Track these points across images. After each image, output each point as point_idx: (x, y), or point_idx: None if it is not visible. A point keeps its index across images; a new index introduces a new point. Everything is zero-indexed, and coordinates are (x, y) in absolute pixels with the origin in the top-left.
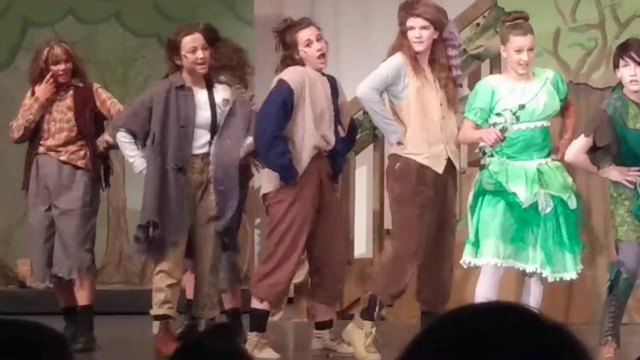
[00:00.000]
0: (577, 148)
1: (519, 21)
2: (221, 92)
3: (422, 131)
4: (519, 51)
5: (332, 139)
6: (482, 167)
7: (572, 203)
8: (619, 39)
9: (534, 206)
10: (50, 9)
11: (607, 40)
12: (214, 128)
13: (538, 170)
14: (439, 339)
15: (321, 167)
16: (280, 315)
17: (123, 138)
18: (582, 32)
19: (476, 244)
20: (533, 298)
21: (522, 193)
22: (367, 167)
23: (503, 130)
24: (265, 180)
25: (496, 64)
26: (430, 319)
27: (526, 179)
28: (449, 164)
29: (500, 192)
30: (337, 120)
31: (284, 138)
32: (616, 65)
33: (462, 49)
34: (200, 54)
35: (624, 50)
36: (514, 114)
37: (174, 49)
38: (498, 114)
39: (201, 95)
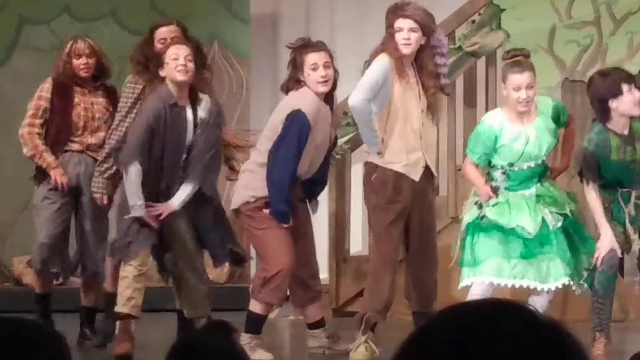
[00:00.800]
0: (589, 194)
1: (517, 58)
2: (202, 108)
3: (400, 138)
4: (517, 89)
5: (316, 165)
6: (476, 202)
7: (575, 211)
8: (615, 36)
9: (544, 225)
10: (46, 6)
11: (603, 37)
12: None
13: (537, 195)
14: (435, 337)
15: (293, 192)
16: (277, 312)
17: (136, 174)
18: (577, 29)
19: (475, 264)
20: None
21: (529, 224)
22: (363, 164)
23: (495, 189)
24: (237, 195)
25: (492, 61)
26: (421, 318)
27: (529, 208)
28: (427, 170)
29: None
30: (331, 149)
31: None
32: (613, 95)
33: (457, 46)
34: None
35: (623, 78)
36: (504, 172)
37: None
38: (493, 166)
39: (189, 113)
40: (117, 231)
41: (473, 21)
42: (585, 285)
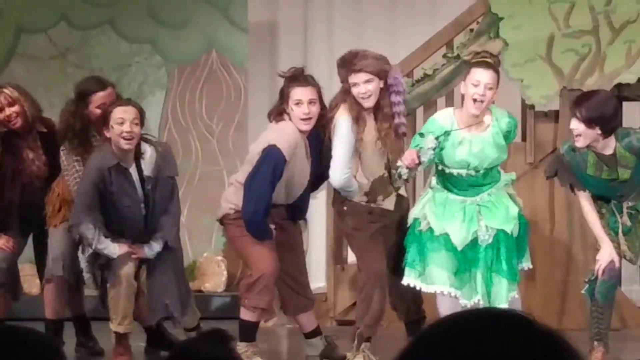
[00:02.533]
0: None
1: (486, 59)
2: (146, 166)
3: (372, 181)
4: (476, 84)
5: (295, 195)
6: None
7: (515, 231)
8: (613, 45)
9: (474, 240)
10: (43, 15)
11: (601, 46)
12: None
13: (479, 204)
14: (432, 346)
15: (274, 215)
16: (274, 321)
17: (90, 232)
18: (575, 38)
19: (416, 266)
20: None
21: (456, 235)
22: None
23: (420, 152)
24: (221, 206)
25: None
26: (413, 326)
27: (464, 216)
28: (399, 197)
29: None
30: (312, 173)
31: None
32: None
33: (455, 55)
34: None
35: (574, 102)
36: (436, 138)
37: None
38: (421, 134)
39: (134, 172)
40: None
41: (471, 30)
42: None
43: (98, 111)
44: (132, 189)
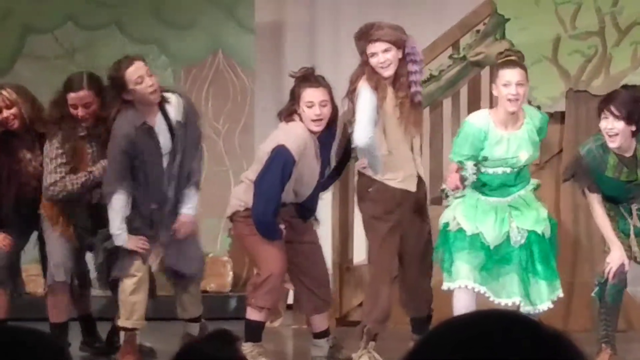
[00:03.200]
0: (592, 204)
1: (511, 57)
2: (174, 112)
3: (395, 155)
4: (507, 85)
5: (305, 195)
6: (443, 189)
7: (547, 232)
8: (619, 46)
9: (507, 239)
10: (50, 15)
11: (607, 47)
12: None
13: (510, 206)
14: (439, 347)
15: (284, 213)
16: (280, 321)
17: (119, 203)
18: (582, 40)
19: (449, 269)
20: None
21: (490, 234)
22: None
23: (463, 179)
24: (231, 203)
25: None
26: (419, 324)
27: (496, 216)
28: (420, 180)
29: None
30: (322, 174)
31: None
32: (598, 115)
33: (462, 56)
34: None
35: (605, 102)
36: (475, 165)
37: (120, 85)
38: (458, 141)
39: (160, 123)
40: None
41: (477, 31)
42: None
43: (71, 110)
44: (157, 146)
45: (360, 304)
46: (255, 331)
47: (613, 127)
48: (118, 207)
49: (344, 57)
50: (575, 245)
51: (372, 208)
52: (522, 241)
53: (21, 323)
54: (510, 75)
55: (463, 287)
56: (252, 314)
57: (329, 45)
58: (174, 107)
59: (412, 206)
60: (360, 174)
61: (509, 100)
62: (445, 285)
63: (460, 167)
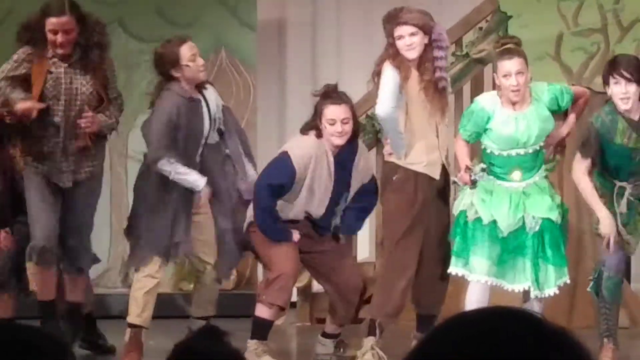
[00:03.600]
0: (578, 170)
1: (508, 46)
2: (213, 97)
3: (420, 139)
4: (507, 76)
5: (317, 214)
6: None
7: (558, 219)
8: (622, 43)
9: (521, 226)
10: None
11: (610, 44)
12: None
13: (524, 193)
14: (442, 344)
15: (299, 228)
16: (284, 319)
17: (169, 165)
18: (584, 37)
19: (464, 255)
20: None
21: (504, 221)
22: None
23: (474, 181)
24: (250, 209)
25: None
26: (425, 322)
27: (510, 203)
28: (444, 168)
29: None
30: (339, 193)
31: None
32: (606, 83)
33: (464, 53)
34: (200, 60)
35: (613, 67)
36: (483, 170)
37: (172, 60)
38: (484, 150)
39: (203, 104)
40: (148, 231)
41: (480, 28)
42: (532, 293)
43: (50, 35)
44: (200, 122)
45: (364, 302)
46: (262, 329)
47: (627, 91)
48: (167, 166)
49: (346, 54)
50: (579, 242)
51: (394, 200)
52: (537, 228)
53: (24, 321)
54: (509, 66)
55: (482, 282)
56: (261, 311)
57: (331, 43)
58: (211, 93)
59: (436, 195)
60: (385, 162)
61: (512, 90)
62: (461, 273)
63: (466, 142)
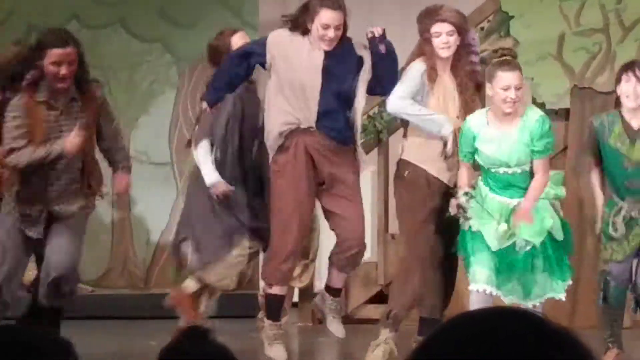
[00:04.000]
0: (587, 165)
1: (506, 57)
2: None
3: (437, 142)
4: (506, 88)
5: (312, 109)
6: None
7: (559, 235)
8: (624, 43)
9: (512, 245)
10: (54, 14)
11: (612, 44)
12: None
13: (514, 210)
14: (444, 344)
15: (308, 143)
16: (286, 319)
17: (202, 149)
18: (586, 36)
19: (467, 264)
20: None
21: (490, 236)
22: (371, 171)
23: (460, 207)
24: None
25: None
26: (427, 325)
27: (500, 218)
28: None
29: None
30: (342, 90)
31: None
32: (618, 81)
33: None
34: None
35: (629, 66)
36: (468, 199)
37: (224, 51)
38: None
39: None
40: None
41: (482, 28)
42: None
43: (51, 67)
44: (258, 107)
45: (366, 302)
46: (271, 307)
47: (636, 90)
48: (202, 150)
49: None
50: (581, 243)
51: (406, 197)
52: (527, 248)
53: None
54: (511, 79)
55: (481, 292)
56: (267, 289)
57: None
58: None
59: (445, 201)
60: (400, 159)
61: (507, 102)
62: (474, 288)
63: (466, 164)
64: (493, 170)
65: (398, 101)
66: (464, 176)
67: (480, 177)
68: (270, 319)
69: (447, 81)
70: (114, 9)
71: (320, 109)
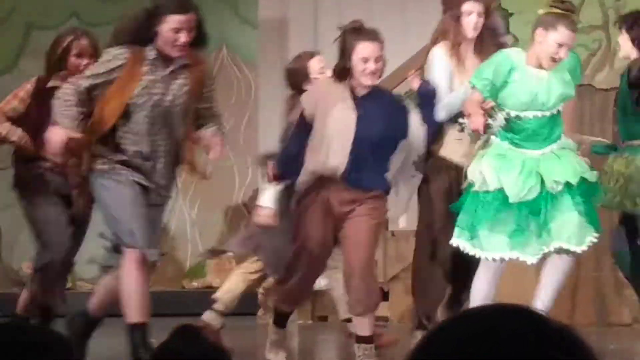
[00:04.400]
0: None
1: (571, 13)
2: None
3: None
4: (559, 45)
5: (340, 161)
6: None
7: (592, 177)
8: None
9: (536, 196)
10: (54, 12)
11: (611, 41)
12: None
13: (540, 159)
14: (444, 342)
15: (330, 194)
16: None
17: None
18: (586, 34)
19: (471, 230)
20: (557, 273)
21: (511, 187)
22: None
23: (488, 126)
24: None
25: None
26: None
27: (522, 168)
28: None
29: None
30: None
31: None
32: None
33: None
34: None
35: None
36: (506, 118)
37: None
38: (496, 107)
39: None
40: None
41: None
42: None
43: (170, 35)
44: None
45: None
46: (279, 315)
47: None
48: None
49: None
50: None
51: (424, 187)
52: (559, 188)
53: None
54: (569, 37)
55: (498, 260)
56: (277, 303)
57: (332, 42)
58: None
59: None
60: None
61: (554, 60)
62: (463, 246)
63: (487, 114)
64: (522, 115)
65: (440, 108)
66: (476, 103)
67: (492, 139)
68: (276, 325)
69: (469, 63)
70: (114, 7)
71: (355, 163)
